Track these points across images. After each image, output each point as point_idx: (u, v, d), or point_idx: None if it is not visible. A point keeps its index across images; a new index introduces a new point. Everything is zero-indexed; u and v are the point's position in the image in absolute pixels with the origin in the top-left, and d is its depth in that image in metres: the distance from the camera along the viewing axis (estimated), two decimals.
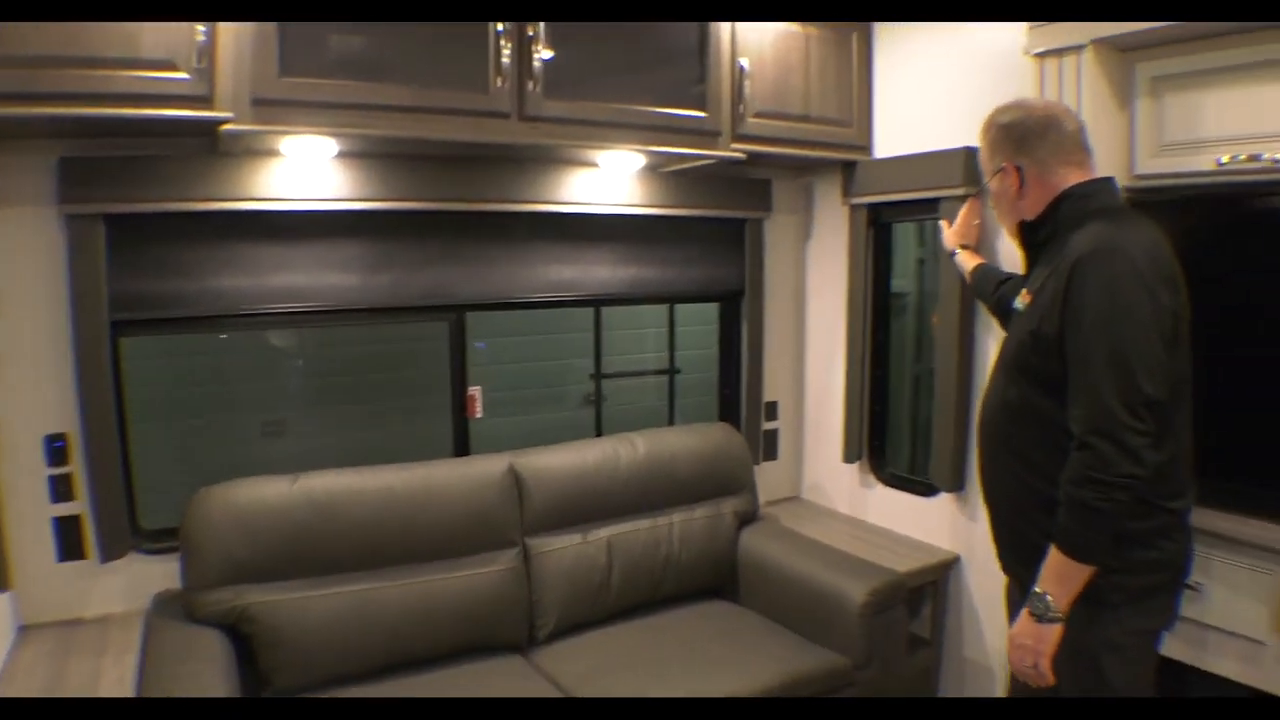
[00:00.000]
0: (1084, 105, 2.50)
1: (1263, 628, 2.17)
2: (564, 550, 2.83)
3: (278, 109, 2.21)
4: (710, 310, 3.73)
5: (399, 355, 4.53)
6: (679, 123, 2.79)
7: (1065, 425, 1.77)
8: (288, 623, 2.38)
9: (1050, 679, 1.82)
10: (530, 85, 2.50)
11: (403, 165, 2.71)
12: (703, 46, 2.82)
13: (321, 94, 2.25)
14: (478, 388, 3.08)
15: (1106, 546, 1.73)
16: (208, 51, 2.13)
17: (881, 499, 3.41)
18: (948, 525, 3.13)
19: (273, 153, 2.50)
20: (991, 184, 2.04)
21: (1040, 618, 1.78)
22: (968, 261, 2.72)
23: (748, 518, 3.23)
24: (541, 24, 2.48)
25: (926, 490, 3.23)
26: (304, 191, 2.58)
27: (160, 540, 2.59)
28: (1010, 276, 2.47)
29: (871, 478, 3.45)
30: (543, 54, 2.49)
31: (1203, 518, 2.10)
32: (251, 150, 2.47)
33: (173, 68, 2.10)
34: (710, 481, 3.17)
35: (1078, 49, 2.53)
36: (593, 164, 3.00)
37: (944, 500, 3.13)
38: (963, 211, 2.81)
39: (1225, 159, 2.33)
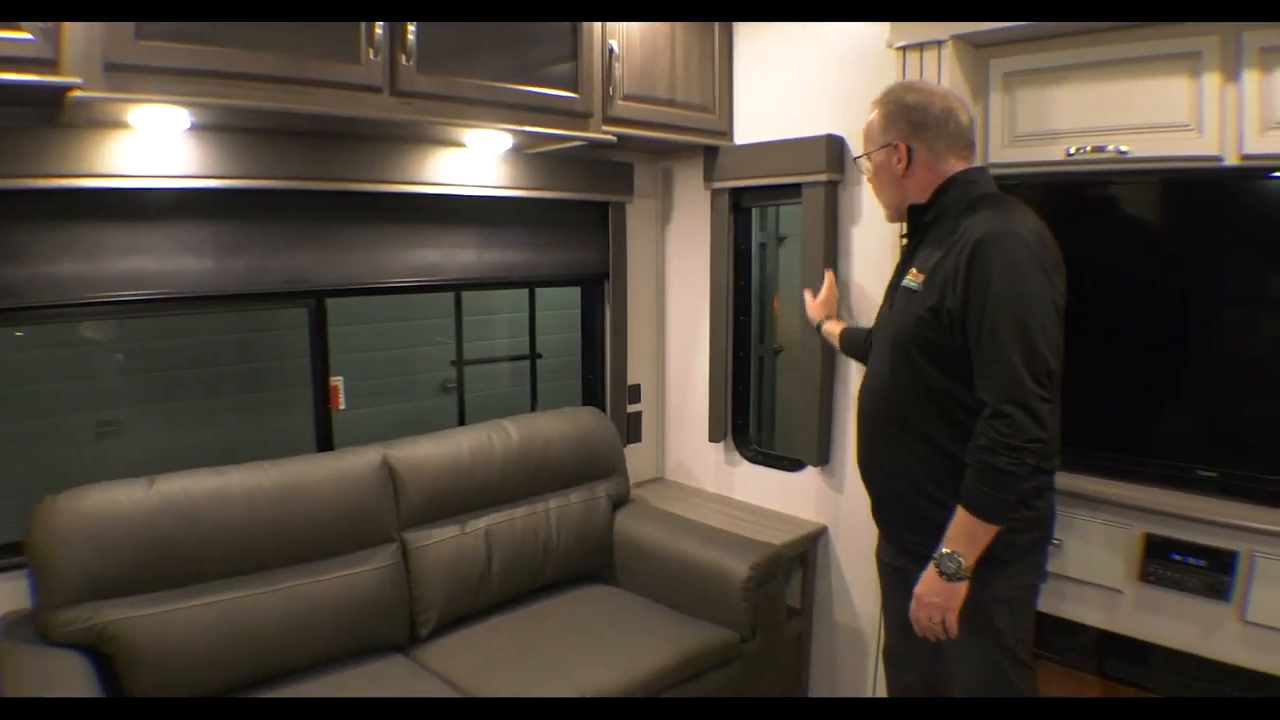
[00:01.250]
0: None
1: (1119, 577, 2.36)
2: (443, 543, 2.72)
3: (133, 75, 1.98)
4: (568, 294, 3.69)
5: (253, 344, 4.24)
6: (552, 103, 2.73)
7: (960, 399, 1.88)
8: (152, 639, 2.17)
9: (955, 632, 1.91)
10: (403, 59, 2.37)
11: (262, 140, 2.51)
12: (574, 27, 2.77)
13: (182, 60, 2.03)
14: (339, 378, 2.93)
15: (1011, 507, 1.83)
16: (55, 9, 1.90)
17: (747, 476, 3.48)
18: (813, 498, 3.23)
19: (120, 124, 2.26)
20: (876, 156, 2.08)
21: (951, 576, 1.86)
22: (834, 328, 2.79)
23: (620, 500, 3.21)
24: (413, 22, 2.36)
25: (792, 465, 3.32)
26: (153, 168, 2.34)
27: (1, 556, 2.32)
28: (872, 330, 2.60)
29: (736, 455, 3.51)
30: (416, 29, 2.37)
31: (1064, 480, 2.26)
32: (96, 121, 2.23)
33: (14, 27, 1.85)
34: (583, 466, 3.13)
35: (938, 44, 2.64)
36: (460, 144, 2.89)
37: (809, 474, 3.22)
38: (826, 283, 2.91)
39: (1073, 149, 2.50)
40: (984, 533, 1.83)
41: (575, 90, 2.78)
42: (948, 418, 1.92)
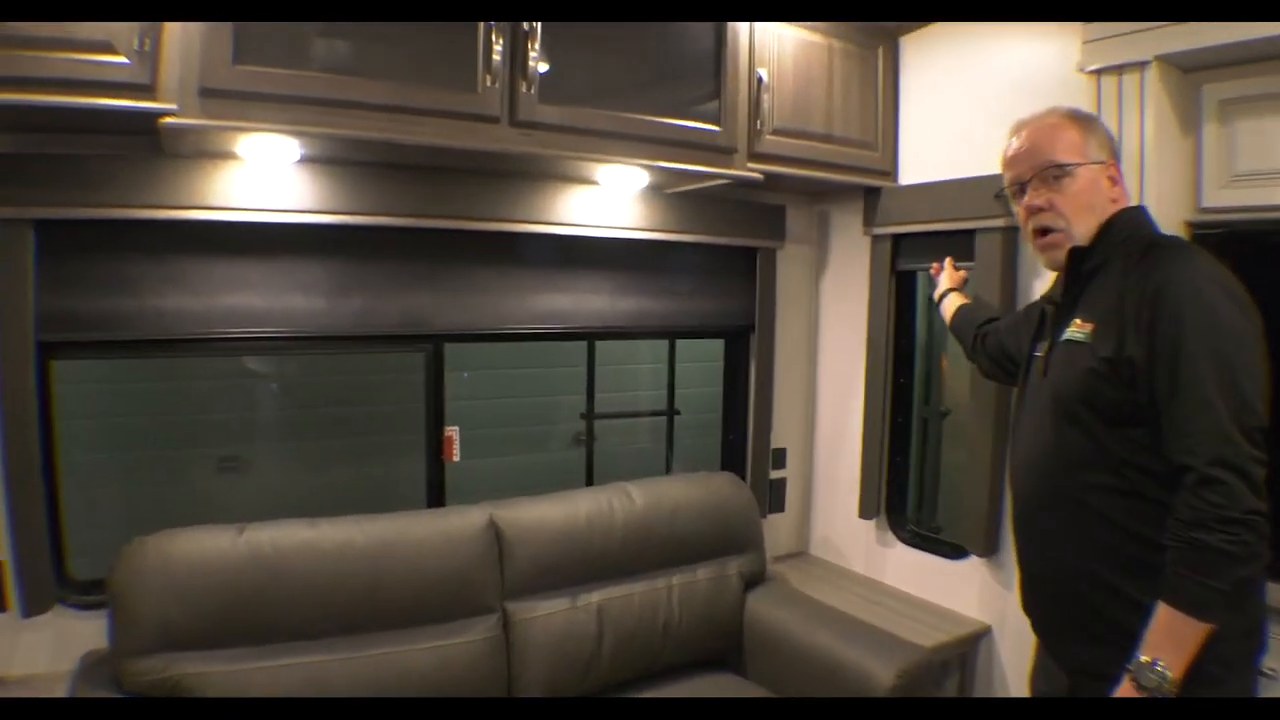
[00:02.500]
0: (1147, 129, 2.22)
1: None
2: (550, 617, 2.45)
3: (230, 102, 1.87)
4: (711, 346, 3.40)
5: (369, 386, 4.14)
6: (690, 136, 2.47)
7: (1148, 468, 1.53)
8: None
9: None
10: (524, 86, 2.18)
11: (376, 175, 2.38)
12: (718, 54, 2.51)
13: (281, 86, 1.91)
14: (455, 427, 2.74)
15: (1229, 599, 1.43)
16: (152, 33, 1.80)
17: (901, 559, 3.07)
18: (976, 592, 2.79)
19: (228, 155, 2.16)
20: (1087, 172, 1.71)
21: (1154, 692, 1.45)
22: (955, 300, 2.57)
23: (755, 579, 2.86)
24: (539, 22, 2.17)
25: (953, 552, 2.89)
26: (263, 201, 2.24)
27: (93, 592, 2.23)
28: (996, 316, 2.38)
29: (890, 535, 3.10)
30: (537, 54, 2.17)
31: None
32: (203, 151, 2.13)
33: (111, 50, 1.77)
34: (714, 538, 2.80)
35: (1140, 65, 2.25)
36: (591, 181, 2.68)
37: (973, 564, 2.79)
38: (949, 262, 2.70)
39: None
40: (1193, 634, 1.44)
41: (718, 123, 2.52)
42: (1135, 492, 1.55)
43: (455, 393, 2.77)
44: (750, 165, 2.61)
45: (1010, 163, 1.83)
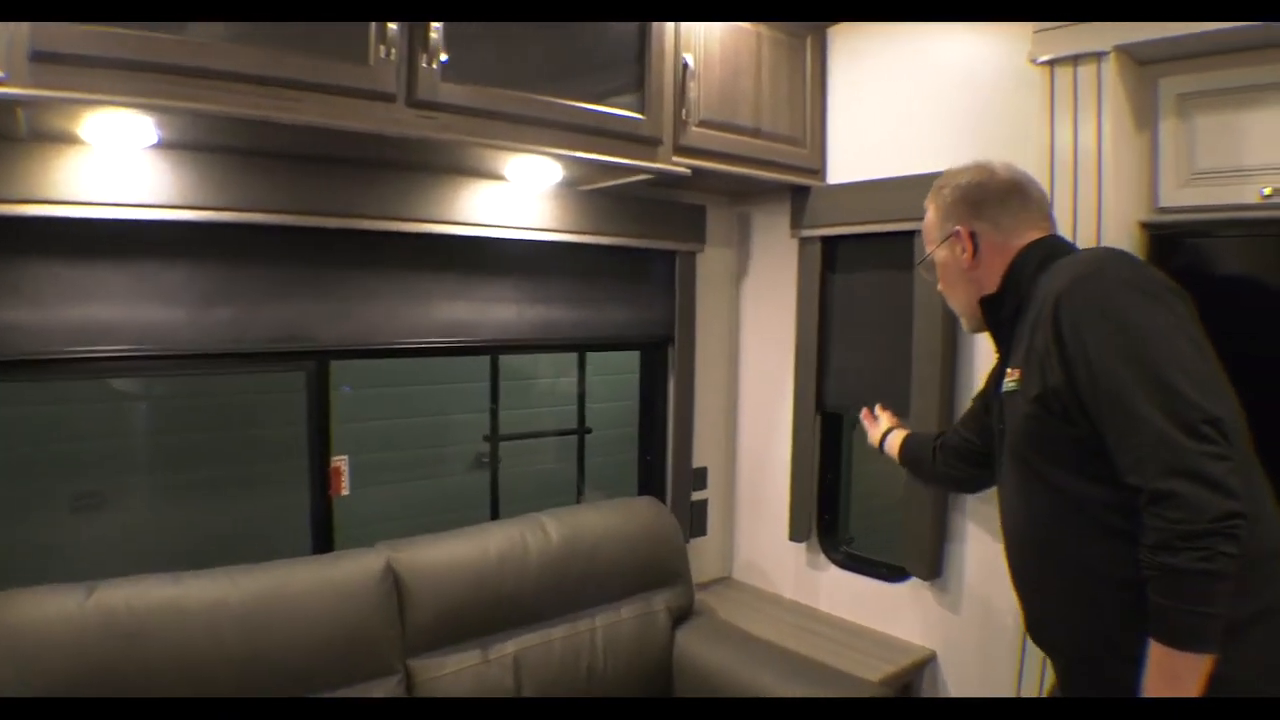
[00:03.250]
0: (1104, 125, 2.06)
1: None
2: (459, 674, 2.11)
3: (70, 69, 1.48)
4: (620, 358, 3.13)
5: (247, 407, 3.65)
6: (612, 124, 2.18)
7: (1114, 503, 1.36)
8: None
9: None
10: (424, 61, 1.85)
11: (249, 164, 2.00)
12: (642, 36, 2.23)
13: (134, 50, 1.53)
14: (343, 457, 2.38)
15: (1222, 622, 1.24)
16: None
17: (835, 583, 2.84)
18: (919, 616, 2.59)
19: (69, 137, 1.76)
20: (939, 253, 1.75)
21: None
22: (899, 434, 2.34)
23: (683, 613, 2.59)
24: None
25: (892, 574, 2.68)
26: (113, 194, 1.84)
27: None
28: (942, 432, 2.21)
29: (822, 557, 2.88)
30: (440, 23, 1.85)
31: None
32: (38, 132, 1.73)
33: None
34: (638, 572, 2.52)
35: (1097, 56, 2.08)
36: (498, 175, 2.36)
37: (914, 586, 2.60)
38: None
39: (1269, 190, 1.94)
40: (1193, 668, 1.25)
41: (642, 111, 2.24)
42: (1113, 533, 1.37)
43: (341, 414, 2.40)
44: (676, 159, 2.34)
45: None
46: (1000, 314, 1.65)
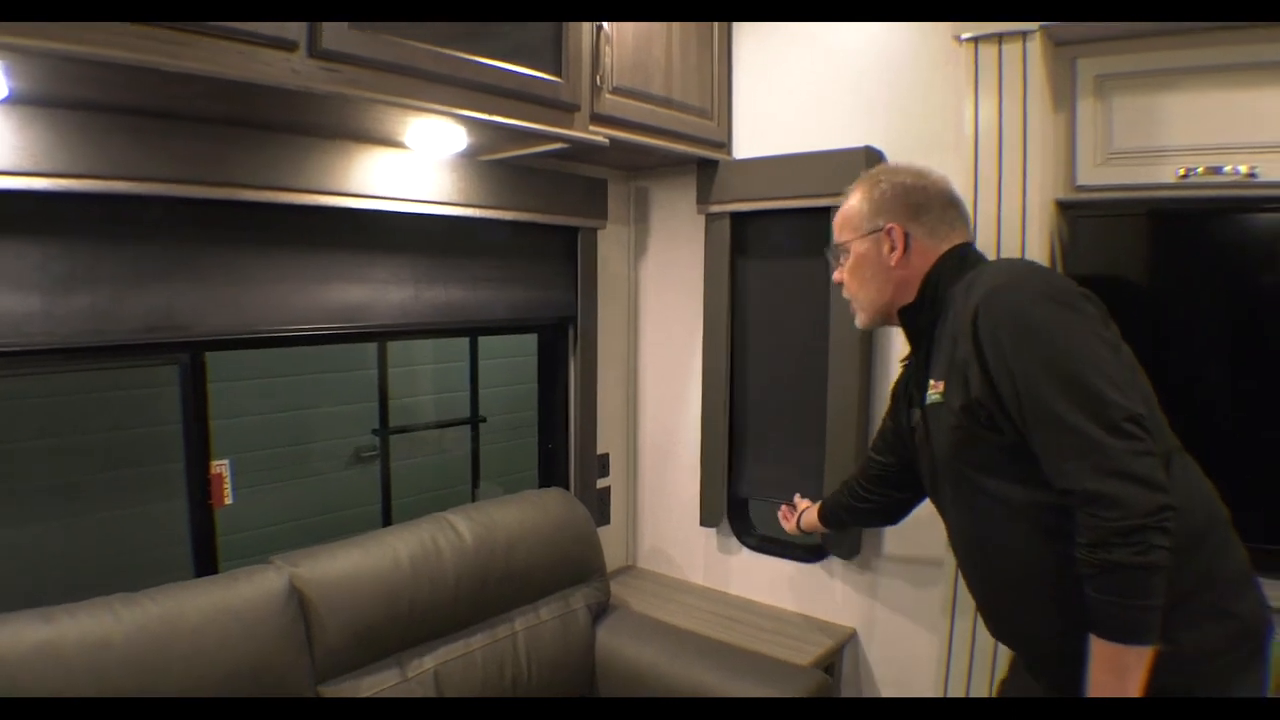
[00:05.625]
0: (1029, 104, 1.99)
1: None
2: (377, 697, 1.85)
3: None
4: (512, 341, 2.88)
5: (117, 404, 3.09)
6: (530, 87, 1.92)
7: (1042, 503, 1.34)
8: None
9: None
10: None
11: (115, 124, 1.63)
12: None
13: None
14: (225, 462, 2.04)
15: (1159, 613, 1.23)
16: None
17: (747, 566, 2.71)
18: (837, 594, 2.51)
19: None
20: (858, 244, 1.62)
21: None
22: (813, 513, 2.18)
23: (601, 609, 2.39)
24: None
25: (806, 555, 2.57)
26: None
27: None
28: (852, 476, 2.06)
29: (734, 541, 2.73)
30: None
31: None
32: None
33: None
34: (554, 568, 2.30)
35: (1022, 35, 2.00)
36: (397, 142, 2.06)
37: (829, 565, 2.50)
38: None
39: (1185, 171, 1.95)
40: (1137, 659, 1.24)
41: (559, 74, 2.00)
42: (1053, 534, 1.34)
43: (216, 410, 2.04)
44: (592, 128, 2.11)
45: None
46: (918, 323, 1.58)
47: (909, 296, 1.58)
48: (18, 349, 1.63)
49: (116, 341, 1.76)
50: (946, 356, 1.45)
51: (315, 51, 1.55)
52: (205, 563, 1.99)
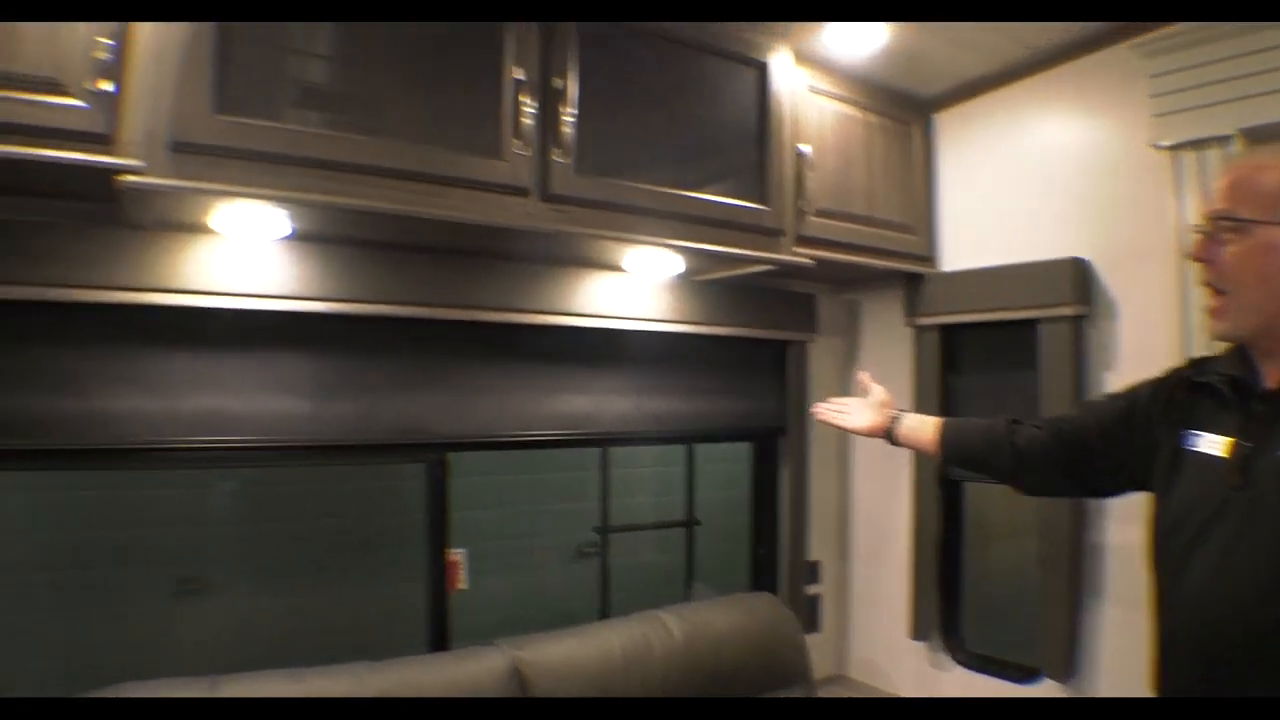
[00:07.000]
0: None
1: None
2: None
3: (208, 159, 1.42)
4: (726, 446, 2.95)
5: (357, 495, 3.50)
6: (738, 216, 2.07)
7: None
8: None
9: None
10: (556, 154, 1.77)
11: (374, 257, 1.93)
12: (761, 123, 2.13)
13: (274, 143, 1.47)
14: (462, 551, 2.24)
15: None
16: (114, 72, 1.35)
17: (958, 684, 2.58)
18: None
19: (199, 227, 1.70)
20: (1263, 233, 1.25)
21: None
22: (916, 417, 1.88)
23: None
24: (572, 79, 1.78)
25: (1021, 675, 2.43)
26: (242, 285, 1.78)
27: None
28: (1017, 421, 1.70)
29: (944, 656, 2.63)
30: (573, 115, 1.77)
31: None
32: (170, 221, 1.67)
33: (60, 90, 1.32)
34: (759, 673, 2.31)
35: (1223, 140, 1.92)
36: (617, 267, 2.26)
37: (1046, 689, 2.34)
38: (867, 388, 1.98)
39: None
40: None
41: (763, 202, 2.12)
42: None
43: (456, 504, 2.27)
44: (797, 250, 2.22)
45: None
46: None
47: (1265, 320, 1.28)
48: (291, 445, 1.92)
49: (372, 441, 2.03)
50: None
51: (545, 195, 1.76)
52: (438, 640, 2.17)
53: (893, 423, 1.89)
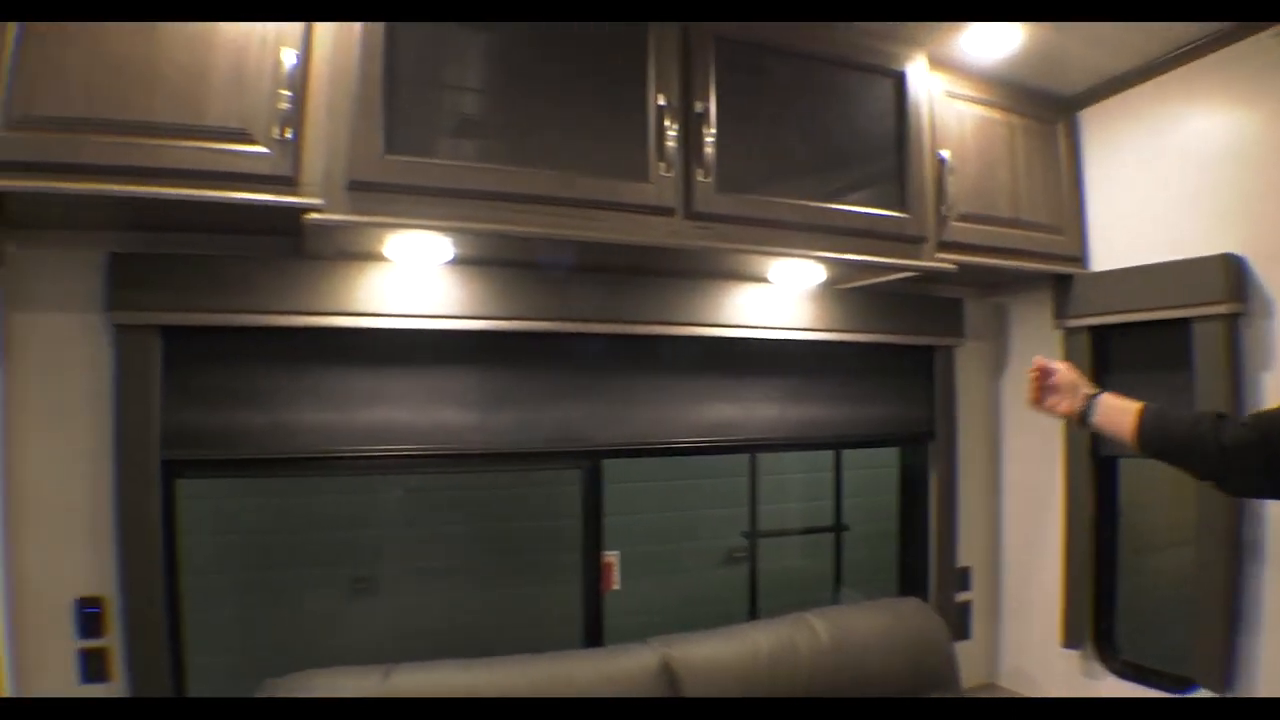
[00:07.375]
0: None
1: None
2: None
3: (382, 196, 1.58)
4: (872, 453, 2.95)
5: (515, 500, 3.70)
6: (877, 225, 2.09)
7: None
8: None
9: None
10: (700, 174, 1.85)
11: (532, 277, 2.07)
12: (900, 133, 2.14)
13: (439, 178, 1.62)
14: (615, 552, 2.34)
15: None
16: (293, 120, 1.53)
17: (1110, 694, 2.50)
18: None
19: (372, 255, 1.88)
20: None
21: None
22: (1117, 400, 1.71)
23: None
24: (712, 101, 1.86)
25: (1175, 684, 2.33)
26: (411, 306, 1.95)
27: None
28: (1222, 416, 1.58)
29: (1097, 665, 2.55)
30: (714, 137, 1.85)
31: None
32: (346, 251, 1.86)
33: (247, 139, 1.51)
34: (906, 678, 2.31)
35: None
36: (761, 278, 2.32)
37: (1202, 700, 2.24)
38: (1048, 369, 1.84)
39: None
40: None
41: (904, 209, 2.14)
42: None
43: (610, 508, 2.38)
44: (939, 255, 2.22)
45: None
46: None
47: None
48: (456, 453, 2.08)
49: (533, 449, 2.16)
50: None
51: (689, 214, 1.84)
52: (592, 638, 2.29)
53: (1088, 404, 1.75)
